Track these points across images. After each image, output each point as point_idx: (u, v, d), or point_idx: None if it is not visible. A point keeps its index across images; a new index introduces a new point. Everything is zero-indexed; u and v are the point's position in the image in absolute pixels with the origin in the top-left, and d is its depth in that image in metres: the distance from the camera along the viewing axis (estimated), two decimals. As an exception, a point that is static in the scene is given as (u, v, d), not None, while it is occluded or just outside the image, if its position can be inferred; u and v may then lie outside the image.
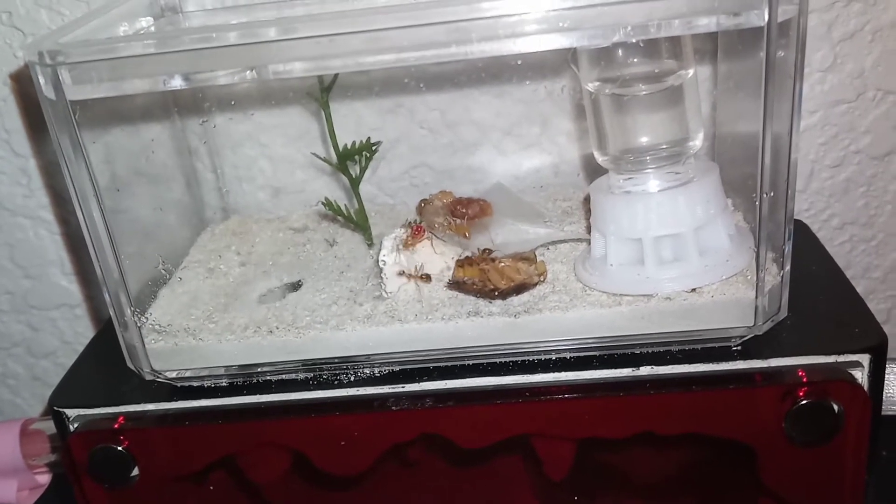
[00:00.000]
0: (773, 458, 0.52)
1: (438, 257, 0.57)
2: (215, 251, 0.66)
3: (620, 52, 0.50)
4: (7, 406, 0.87)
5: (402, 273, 0.55)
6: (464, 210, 0.60)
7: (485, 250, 0.56)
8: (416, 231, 0.57)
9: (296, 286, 0.60)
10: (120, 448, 0.54)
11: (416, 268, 0.56)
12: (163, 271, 0.61)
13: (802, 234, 0.64)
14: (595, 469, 0.56)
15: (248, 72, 0.48)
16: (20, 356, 0.84)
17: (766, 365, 0.51)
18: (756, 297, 0.51)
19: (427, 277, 0.56)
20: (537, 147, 0.70)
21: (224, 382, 0.55)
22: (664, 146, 0.53)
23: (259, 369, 0.55)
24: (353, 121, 0.69)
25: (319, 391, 0.54)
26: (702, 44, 0.63)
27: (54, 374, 0.84)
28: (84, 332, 0.82)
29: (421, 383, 0.53)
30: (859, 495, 0.52)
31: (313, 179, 0.72)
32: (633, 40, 0.47)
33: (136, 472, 0.54)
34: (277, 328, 0.54)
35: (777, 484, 0.53)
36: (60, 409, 0.55)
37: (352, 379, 0.54)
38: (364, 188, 0.63)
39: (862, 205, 0.73)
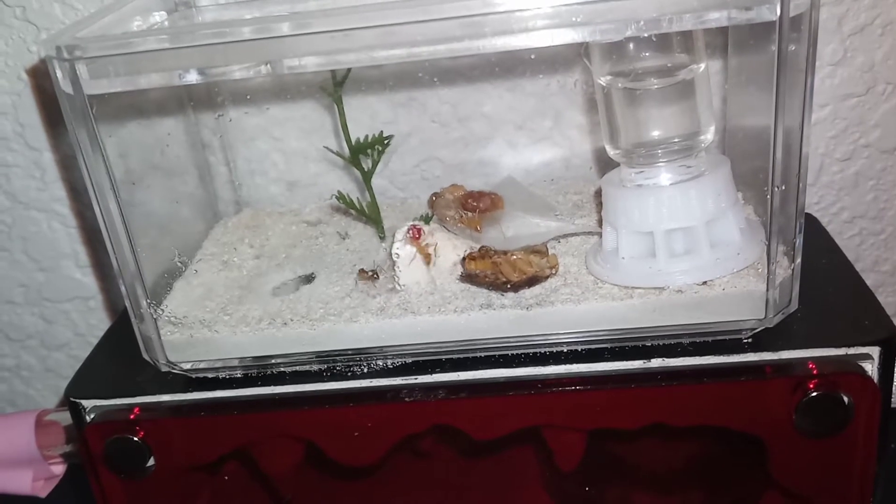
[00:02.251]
0: (783, 450, 0.52)
1: (451, 250, 0.57)
2: (229, 244, 0.66)
3: (632, 46, 0.51)
4: (20, 397, 0.88)
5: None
6: (475, 203, 0.60)
7: (482, 248, 0.57)
8: (414, 235, 0.57)
9: (309, 278, 0.60)
10: (136, 438, 0.54)
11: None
12: (178, 263, 0.61)
13: (812, 227, 0.64)
14: (606, 460, 0.57)
15: (262, 66, 0.49)
16: (34, 348, 0.85)
17: (776, 357, 0.52)
18: (767, 290, 0.51)
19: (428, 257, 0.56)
20: (549, 141, 0.70)
21: (238, 374, 0.56)
22: (676, 140, 0.53)
23: (273, 361, 0.55)
24: (366, 115, 0.69)
25: (333, 382, 0.54)
26: (713, 38, 0.64)
27: (67, 365, 0.85)
28: (97, 325, 0.83)
29: (433, 375, 0.53)
30: (868, 487, 0.53)
31: (326, 173, 0.73)
32: (646, 35, 0.47)
33: (151, 462, 0.55)
34: (291, 320, 0.55)
35: (787, 476, 0.53)
36: (77, 400, 0.56)
37: (365, 370, 0.54)
38: (376, 182, 0.63)
39: (871, 198, 0.73)
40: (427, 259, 0.56)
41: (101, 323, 0.83)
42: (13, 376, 0.86)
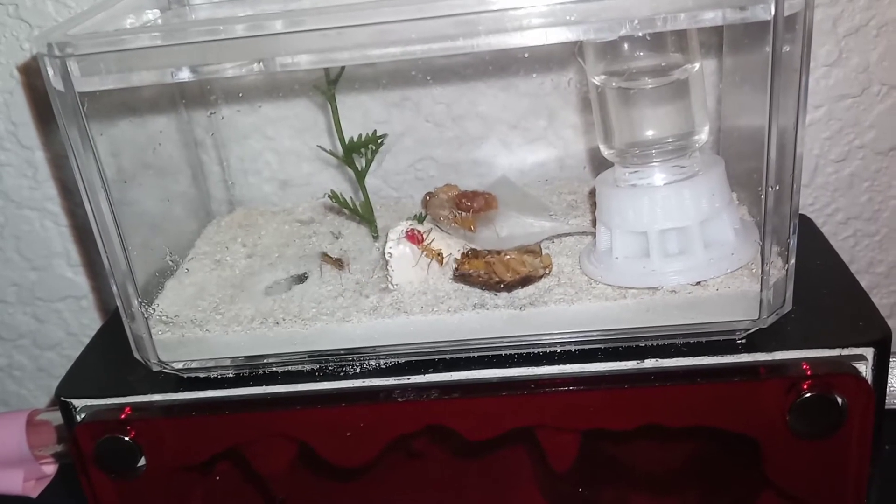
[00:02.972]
0: (777, 451, 0.52)
1: (444, 249, 0.57)
2: (221, 243, 0.66)
3: (627, 45, 0.50)
4: (12, 397, 0.87)
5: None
6: (469, 203, 0.60)
7: (470, 249, 0.57)
8: (417, 239, 0.57)
9: (302, 278, 0.60)
10: (127, 438, 0.54)
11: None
12: (170, 262, 0.61)
13: (807, 228, 0.64)
14: (599, 461, 0.56)
15: (255, 64, 0.48)
16: (26, 347, 0.84)
17: (770, 358, 0.51)
18: (761, 291, 0.51)
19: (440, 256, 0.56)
20: (543, 141, 0.70)
21: (230, 373, 0.55)
22: (670, 140, 0.53)
23: (265, 360, 0.55)
24: (360, 114, 0.69)
25: (325, 382, 0.54)
26: (707, 37, 0.63)
27: (59, 365, 0.84)
28: (89, 324, 0.82)
29: (426, 375, 0.53)
30: (862, 488, 0.53)
31: (319, 172, 0.73)
32: (640, 34, 0.47)
33: (142, 462, 0.54)
34: (284, 320, 0.55)
35: (781, 477, 0.53)
36: (67, 400, 0.55)
37: (357, 370, 0.54)
38: (369, 181, 0.63)
39: (866, 200, 0.73)
40: (440, 259, 0.56)
41: (93, 322, 0.82)
42: (5, 376, 0.86)
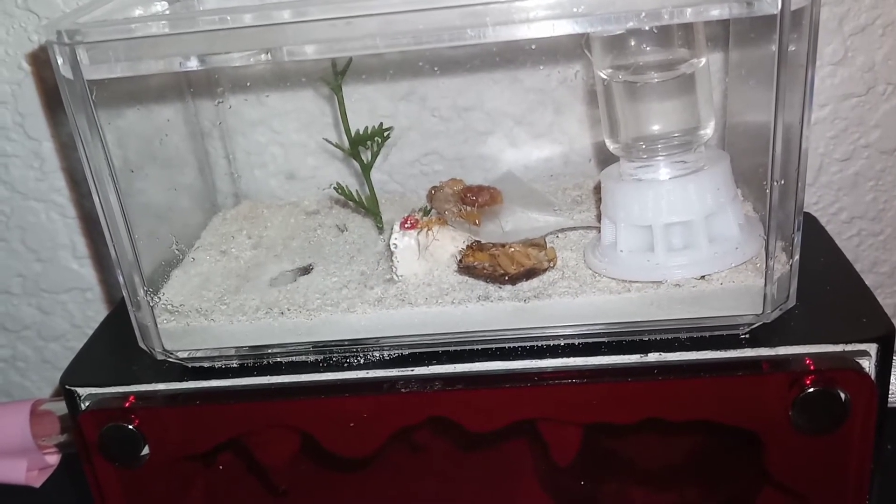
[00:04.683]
0: (779, 446, 0.52)
1: (449, 242, 0.57)
2: (227, 234, 0.66)
3: (633, 39, 0.51)
4: (16, 388, 0.87)
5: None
6: (474, 198, 0.60)
7: (474, 242, 0.57)
8: (410, 226, 0.57)
9: (307, 269, 0.60)
10: (130, 427, 0.54)
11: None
12: (175, 251, 0.61)
13: (811, 226, 0.64)
14: (601, 454, 0.57)
15: (262, 54, 0.49)
16: (30, 339, 0.84)
17: (773, 353, 0.52)
18: (765, 285, 0.51)
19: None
20: (548, 136, 0.70)
21: (235, 363, 0.55)
22: (676, 134, 0.53)
23: (269, 351, 0.55)
24: (366, 107, 0.69)
25: (329, 373, 0.54)
26: (713, 32, 0.63)
27: (63, 357, 0.85)
28: (94, 316, 0.83)
29: (430, 367, 0.53)
30: (864, 485, 0.53)
31: (325, 165, 0.73)
32: (647, 27, 0.47)
33: (146, 451, 0.55)
34: (288, 310, 0.55)
35: (783, 472, 0.53)
36: (72, 388, 0.56)
37: (361, 361, 0.54)
38: (374, 176, 0.63)
39: (870, 199, 0.73)
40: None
41: (97, 314, 0.83)
42: (9, 367, 0.86)
